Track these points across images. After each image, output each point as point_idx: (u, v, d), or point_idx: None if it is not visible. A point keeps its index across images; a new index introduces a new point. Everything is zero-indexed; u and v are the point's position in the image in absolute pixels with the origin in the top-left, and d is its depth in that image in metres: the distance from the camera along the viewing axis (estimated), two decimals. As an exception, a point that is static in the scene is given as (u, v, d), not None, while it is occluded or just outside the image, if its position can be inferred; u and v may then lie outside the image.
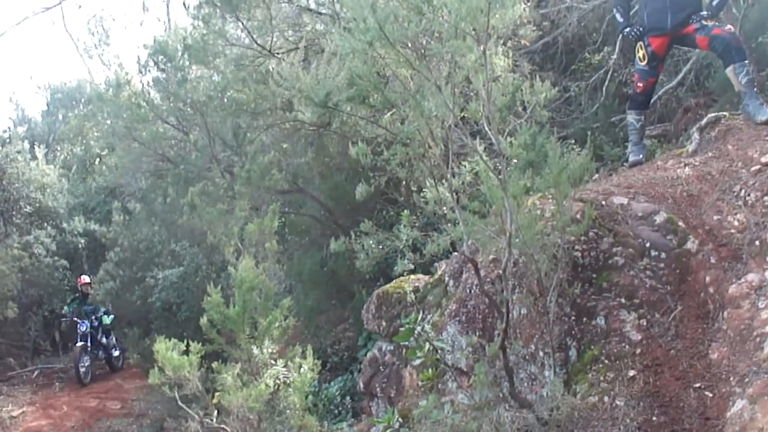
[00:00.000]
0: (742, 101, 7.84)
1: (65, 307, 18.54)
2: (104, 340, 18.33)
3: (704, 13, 8.10)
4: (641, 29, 8.39)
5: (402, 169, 6.47)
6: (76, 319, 17.87)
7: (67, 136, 26.92)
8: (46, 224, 20.93)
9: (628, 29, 8.52)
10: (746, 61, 7.92)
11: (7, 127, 27.03)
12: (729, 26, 8.25)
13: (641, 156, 8.50)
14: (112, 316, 18.28)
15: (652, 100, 10.21)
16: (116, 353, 18.87)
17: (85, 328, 17.57)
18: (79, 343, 17.41)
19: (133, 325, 16.98)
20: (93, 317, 18.02)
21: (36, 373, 18.95)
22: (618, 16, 8.64)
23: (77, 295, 18.57)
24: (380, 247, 8.82)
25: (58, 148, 27.02)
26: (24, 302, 19.62)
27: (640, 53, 8.47)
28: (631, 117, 8.75)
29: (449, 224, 6.22)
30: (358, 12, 5.17)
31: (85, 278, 18.76)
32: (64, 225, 21.37)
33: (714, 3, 8.11)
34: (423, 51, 5.49)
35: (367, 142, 6.38)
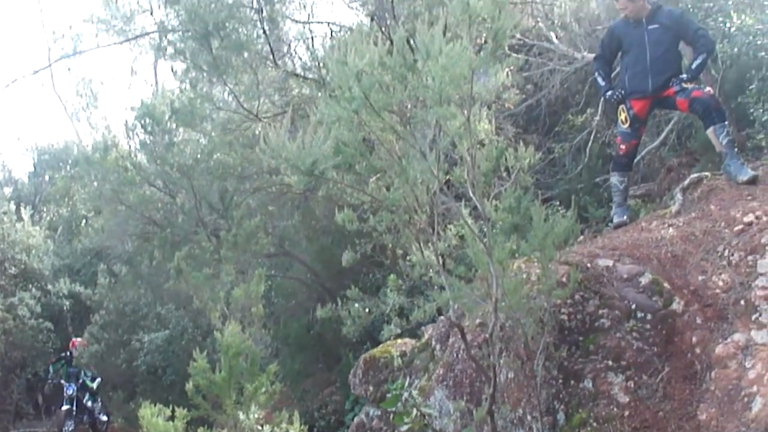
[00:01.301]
0: (724, 161, 7.92)
1: (50, 367, 18.32)
2: (90, 404, 18.09)
3: (684, 75, 8.20)
4: (623, 92, 8.47)
5: (388, 235, 6.49)
6: (62, 381, 17.66)
7: (53, 198, 26.92)
8: (30, 286, 20.81)
9: (610, 92, 8.60)
10: (726, 122, 8.01)
11: (-7, 188, 27.07)
12: (708, 88, 8.36)
13: (625, 217, 8.53)
14: (98, 380, 18.09)
15: (635, 161, 10.30)
16: (103, 418, 18.64)
17: (71, 392, 17.34)
18: (65, 407, 17.16)
19: (118, 389, 16.88)
20: (79, 380, 17.82)
21: (18, 437, 18.75)
22: (600, 79, 8.72)
23: (63, 355, 18.35)
24: (367, 311, 8.82)
25: (45, 210, 27.00)
26: (7, 364, 19.44)
27: (622, 116, 8.54)
28: (614, 179, 8.80)
29: (435, 289, 6.23)
30: (344, 80, 5.22)
31: (80, 340, 18.52)
32: (49, 287, 21.26)
33: (693, 66, 8.21)
34: (408, 117, 5.54)
35: (353, 208, 6.41)
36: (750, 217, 6.65)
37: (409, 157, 5.49)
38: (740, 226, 6.60)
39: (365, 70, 5.22)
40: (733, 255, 6.36)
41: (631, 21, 8.38)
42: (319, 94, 9.12)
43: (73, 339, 18.72)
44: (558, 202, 9.57)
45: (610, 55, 8.78)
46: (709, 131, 8.01)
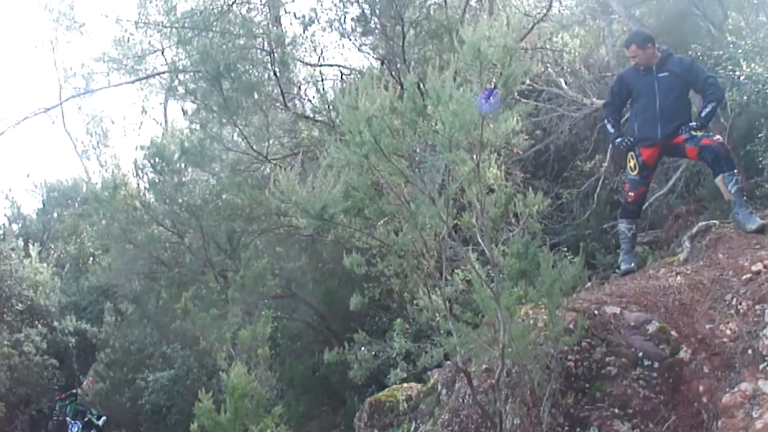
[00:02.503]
0: (732, 210, 7.92)
1: (57, 404, 18.24)
2: None
3: (693, 123, 8.21)
4: (632, 139, 8.47)
5: (396, 280, 6.50)
6: (68, 419, 17.59)
7: (61, 235, 26.93)
8: (37, 322, 20.77)
9: (619, 140, 8.60)
10: (735, 171, 8.01)
11: (1, 224, 27.06)
12: (718, 136, 8.35)
13: (633, 264, 8.51)
14: (104, 418, 18.01)
15: (643, 207, 10.31)
16: None
17: (77, 430, 17.28)
18: None
19: (122, 427, 16.79)
20: (85, 418, 17.75)
21: (22, 474, 18.63)
22: (609, 126, 8.73)
23: (72, 392, 18.27)
24: (373, 355, 8.80)
25: (52, 247, 27.00)
26: (12, 401, 19.32)
27: (631, 163, 8.54)
28: (622, 226, 8.77)
29: (442, 334, 6.22)
30: (354, 124, 5.27)
31: (91, 379, 18.43)
32: (56, 324, 21.20)
33: (703, 114, 8.22)
34: (417, 162, 5.57)
35: (361, 252, 6.43)
36: (758, 266, 6.64)
37: (418, 202, 5.52)
38: (748, 275, 6.60)
39: (375, 114, 5.26)
40: (741, 304, 6.35)
41: (641, 68, 8.40)
42: (329, 136, 9.16)
43: (89, 378, 18.66)
44: (566, 248, 9.57)
45: (620, 103, 8.79)
46: (718, 179, 8.00)
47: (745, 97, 9.95)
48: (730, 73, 10.13)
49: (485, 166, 5.75)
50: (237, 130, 12.88)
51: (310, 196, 5.15)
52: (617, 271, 9.02)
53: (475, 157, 5.39)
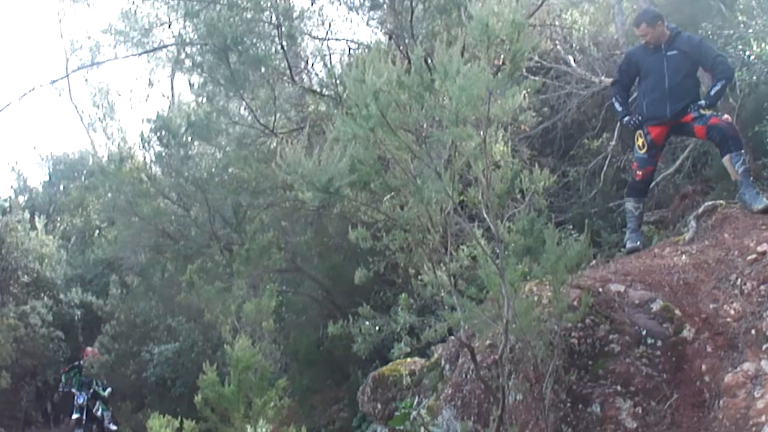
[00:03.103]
0: (739, 190, 7.90)
1: (62, 376, 18.32)
2: (100, 413, 18.08)
3: (702, 102, 8.19)
4: (640, 118, 8.46)
5: (401, 254, 6.49)
6: (74, 390, 17.67)
7: (67, 208, 26.95)
8: (42, 294, 20.85)
9: (627, 118, 8.59)
10: (743, 151, 8.00)
11: (8, 197, 27.04)
12: (726, 116, 8.32)
13: (638, 243, 8.49)
14: (109, 389, 18.10)
15: (651, 186, 10.30)
16: (112, 427, 18.61)
17: (82, 401, 17.36)
18: (75, 416, 17.19)
19: (127, 399, 16.88)
20: (90, 389, 17.84)
21: (27, 444, 18.75)
22: (617, 105, 8.72)
23: (76, 364, 18.35)
24: (377, 329, 8.82)
25: (58, 219, 27.02)
26: (17, 372, 19.41)
27: (640, 141, 8.51)
28: (629, 204, 8.76)
29: (446, 309, 6.23)
30: (361, 98, 5.25)
31: (92, 349, 18.49)
32: (61, 296, 21.29)
33: (712, 93, 8.19)
34: (424, 136, 5.55)
35: (366, 226, 6.43)
36: (763, 247, 6.64)
37: (424, 177, 5.51)
38: (753, 256, 6.59)
39: (382, 88, 5.24)
40: (745, 284, 6.35)
41: (650, 47, 8.38)
42: (336, 111, 9.13)
43: (87, 348, 18.73)
44: (571, 226, 9.55)
45: (628, 81, 8.77)
46: (725, 159, 7.99)
47: (754, 77, 9.92)
48: (740, 52, 10.09)
49: (492, 142, 5.75)
50: (244, 103, 12.86)
51: (316, 169, 5.14)
52: (622, 249, 9.02)
53: (481, 132, 5.38)
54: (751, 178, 8.10)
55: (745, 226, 7.37)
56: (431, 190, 5.43)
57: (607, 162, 12.55)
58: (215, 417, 7.56)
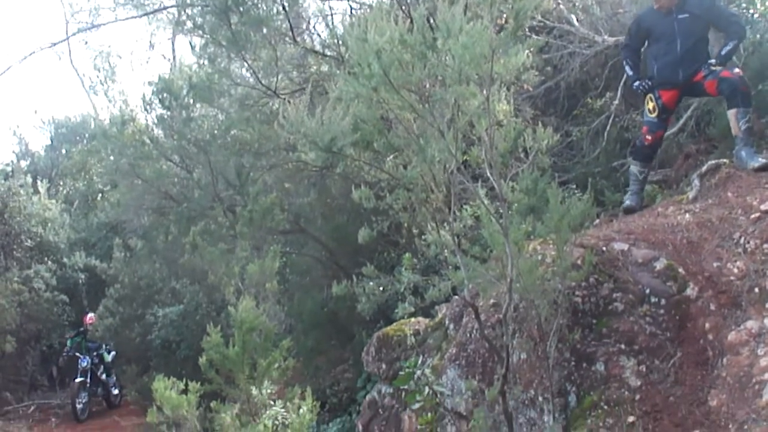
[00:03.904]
0: (736, 146, 7.89)
1: (68, 341, 18.41)
2: (104, 377, 18.20)
3: (713, 60, 8.16)
4: (650, 82, 8.43)
5: (404, 214, 6.50)
6: (78, 354, 17.76)
7: (69, 171, 26.96)
8: (46, 259, 20.89)
9: (638, 82, 8.55)
10: (750, 108, 7.96)
11: (10, 161, 27.09)
12: (738, 70, 8.26)
13: (636, 204, 8.49)
14: (113, 354, 18.19)
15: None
16: (115, 391, 18.75)
17: (86, 364, 17.45)
18: (79, 379, 17.30)
19: (132, 362, 16.95)
20: (94, 353, 17.94)
21: (32, 408, 18.84)
22: (628, 68, 8.68)
23: (81, 330, 18.43)
24: (381, 290, 8.83)
25: (61, 183, 27.06)
26: (22, 337, 19.48)
27: (650, 105, 8.46)
28: (634, 168, 8.71)
29: (450, 268, 6.23)
30: (363, 57, 5.23)
31: (91, 316, 18.58)
32: (65, 260, 21.33)
33: (723, 52, 8.13)
34: (427, 95, 5.53)
35: (369, 186, 6.42)
36: (767, 205, 6.63)
37: (427, 136, 5.50)
38: (757, 214, 6.59)
39: (385, 47, 5.22)
40: (748, 242, 6.34)
41: (661, 10, 8.32)
42: (338, 71, 9.10)
43: (86, 315, 18.79)
44: (575, 186, 9.54)
45: (639, 45, 8.72)
46: (731, 112, 7.94)
47: (758, 36, 9.84)
48: (744, 11, 10.01)
49: (495, 101, 5.71)
50: (245, 64, 12.78)
51: (318, 129, 5.13)
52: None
53: (484, 91, 5.36)
54: (752, 138, 8.07)
55: (749, 184, 7.36)
56: (434, 149, 5.42)
57: (610, 121, 12.48)
58: (220, 378, 7.60)
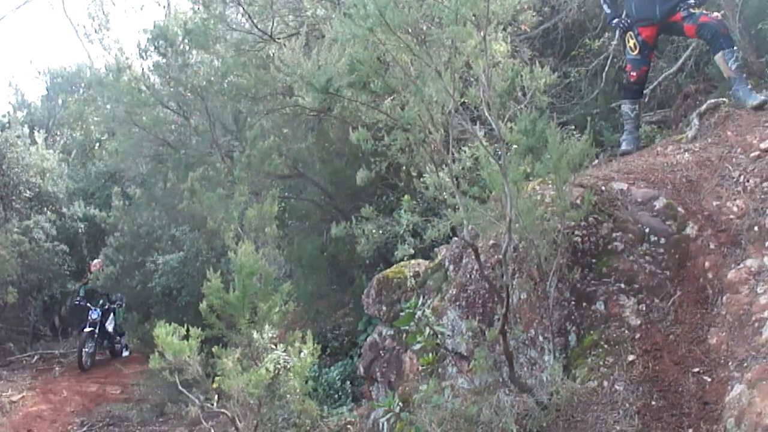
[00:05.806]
0: (732, 86, 7.90)
1: (80, 288, 18.41)
2: (110, 328, 18.18)
3: (691, 1, 8.14)
4: (629, 20, 8.47)
5: (402, 155, 6.48)
6: (89, 305, 17.77)
7: (66, 121, 26.82)
8: (45, 209, 20.84)
9: (616, 20, 8.64)
10: (735, 48, 8.04)
11: (6, 112, 26.94)
12: (716, 14, 8.33)
13: (632, 147, 8.55)
14: (123, 306, 18.11)
15: (652, 86, 10.23)
16: (125, 354, 18.68)
17: (96, 316, 17.46)
18: (87, 329, 17.32)
19: (133, 310, 16.99)
20: (106, 305, 17.95)
21: (36, 358, 18.92)
22: (605, 7, 8.79)
23: (89, 277, 18.35)
24: (381, 232, 8.84)
25: (58, 133, 26.93)
26: (24, 287, 19.53)
27: (631, 43, 8.57)
28: (625, 107, 8.82)
29: (449, 210, 6.23)
30: (359, -2, 5.18)
31: (97, 261, 18.48)
32: (64, 210, 21.29)
33: None
34: (423, 36, 5.48)
35: (367, 128, 6.39)
36: (766, 144, 6.63)
37: (424, 77, 5.46)
38: (756, 153, 6.59)
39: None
40: (748, 181, 6.35)
41: None
42: (334, 15, 9.01)
43: (95, 260, 18.73)
44: (573, 127, 9.49)
45: None
46: (718, 56, 8.03)
47: (757, -26, 9.75)
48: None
49: (492, 41, 5.66)
50: (241, 9, 12.68)
51: (315, 70, 5.10)
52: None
53: (481, 31, 5.31)
54: (745, 75, 8.11)
55: (748, 123, 7.35)
56: (432, 90, 5.39)
57: (608, 62, 12.41)
58: (221, 323, 7.64)
